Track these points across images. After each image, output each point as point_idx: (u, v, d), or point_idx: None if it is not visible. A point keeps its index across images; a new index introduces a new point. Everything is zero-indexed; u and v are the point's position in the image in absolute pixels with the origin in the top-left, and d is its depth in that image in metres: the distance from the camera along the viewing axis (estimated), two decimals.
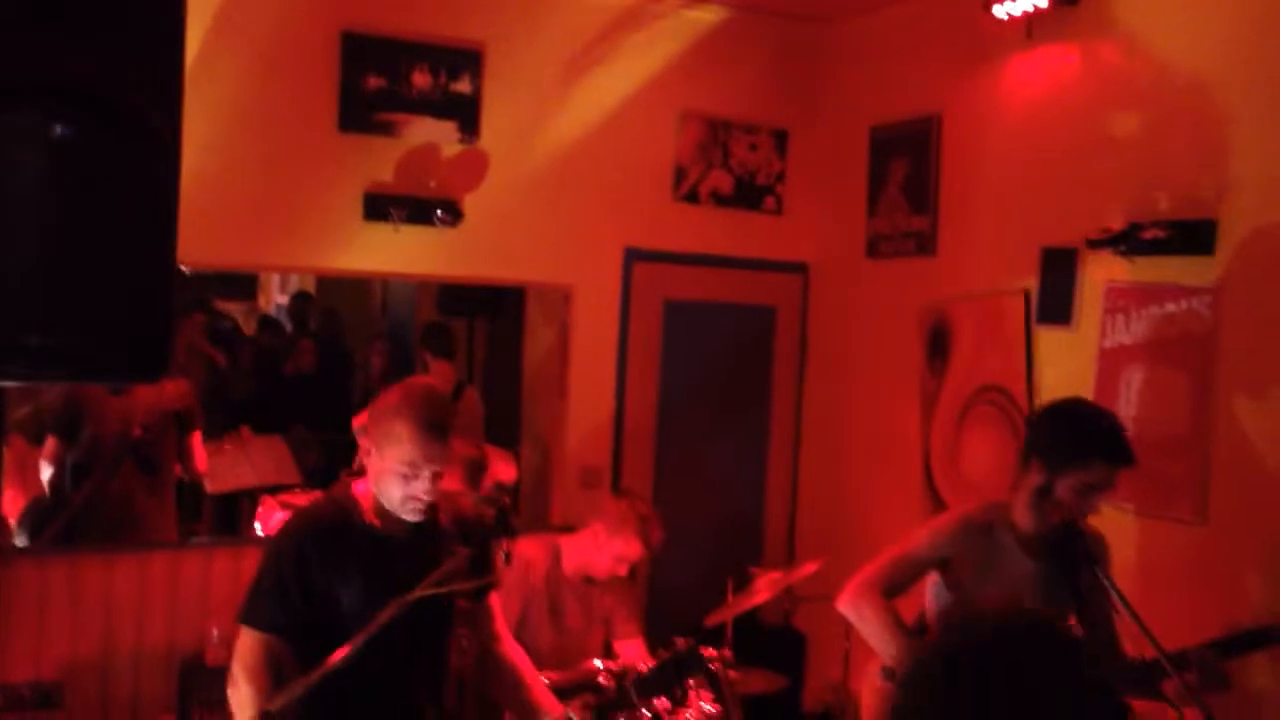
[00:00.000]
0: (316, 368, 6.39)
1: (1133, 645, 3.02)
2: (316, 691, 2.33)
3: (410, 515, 2.64)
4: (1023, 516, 3.03)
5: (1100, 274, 4.03)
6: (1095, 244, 3.93)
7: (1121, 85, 4.01)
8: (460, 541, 2.69)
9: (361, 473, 2.73)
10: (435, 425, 2.58)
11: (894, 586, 3.10)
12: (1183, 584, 3.67)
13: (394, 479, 2.60)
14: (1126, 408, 3.89)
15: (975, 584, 3.07)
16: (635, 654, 3.79)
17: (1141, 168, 3.91)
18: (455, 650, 2.78)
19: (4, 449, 4.35)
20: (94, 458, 4.57)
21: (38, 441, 4.56)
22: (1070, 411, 3.12)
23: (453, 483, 4.13)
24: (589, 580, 3.84)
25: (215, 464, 5.08)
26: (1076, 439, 2.96)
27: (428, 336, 5.78)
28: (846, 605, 3.12)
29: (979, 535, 3.07)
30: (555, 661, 3.64)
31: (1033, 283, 4.31)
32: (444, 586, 2.56)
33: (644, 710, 3.28)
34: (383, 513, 2.68)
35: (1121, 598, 2.87)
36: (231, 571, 4.35)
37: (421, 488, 2.59)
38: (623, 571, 3.80)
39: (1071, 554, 2.94)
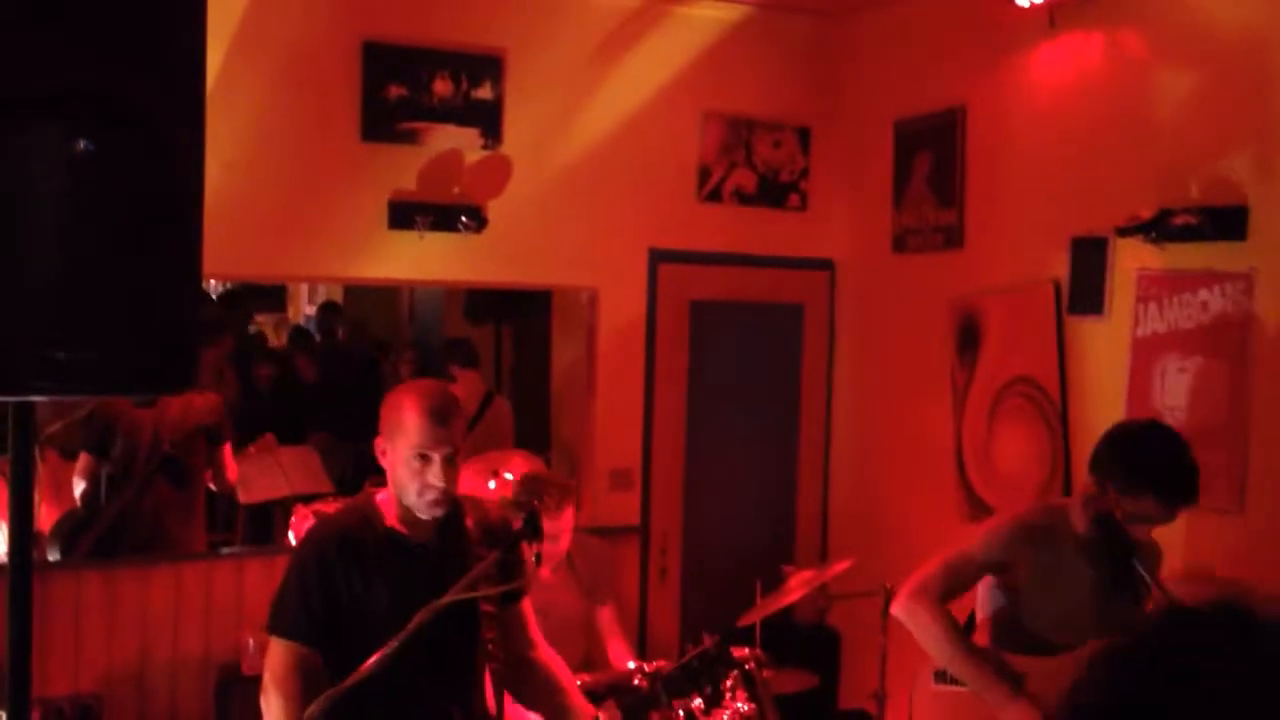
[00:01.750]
0: (340, 375, 6.41)
1: None
2: (346, 699, 2.33)
3: (429, 508, 2.62)
4: (1080, 522, 2.99)
5: (1131, 262, 3.98)
6: (1125, 231, 3.88)
7: (1147, 71, 3.97)
8: (486, 546, 2.68)
9: (384, 482, 2.73)
10: (438, 411, 2.60)
11: (949, 591, 3.05)
12: (1221, 573, 3.62)
13: (407, 470, 2.60)
14: (1161, 396, 3.85)
15: (1035, 591, 3.03)
16: (607, 620, 4.01)
17: (1170, 154, 3.87)
18: (483, 655, 2.76)
19: (39, 464, 4.39)
20: (126, 472, 4.60)
21: (71, 457, 4.60)
22: (1137, 437, 3.01)
23: (479, 489, 4.15)
24: (563, 563, 3.97)
25: (248, 474, 5.11)
26: (1133, 469, 2.87)
27: (451, 350, 5.78)
28: (901, 610, 3.06)
29: (1039, 541, 3.01)
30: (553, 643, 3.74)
31: (1063, 273, 4.27)
32: (475, 591, 2.55)
33: (679, 711, 3.26)
34: (406, 519, 2.67)
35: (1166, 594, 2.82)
36: (265, 581, 4.36)
37: (434, 474, 2.59)
38: (563, 545, 3.90)
39: (1115, 552, 2.89)
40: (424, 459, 2.59)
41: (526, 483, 3.89)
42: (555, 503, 3.84)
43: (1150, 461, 2.89)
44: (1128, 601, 2.90)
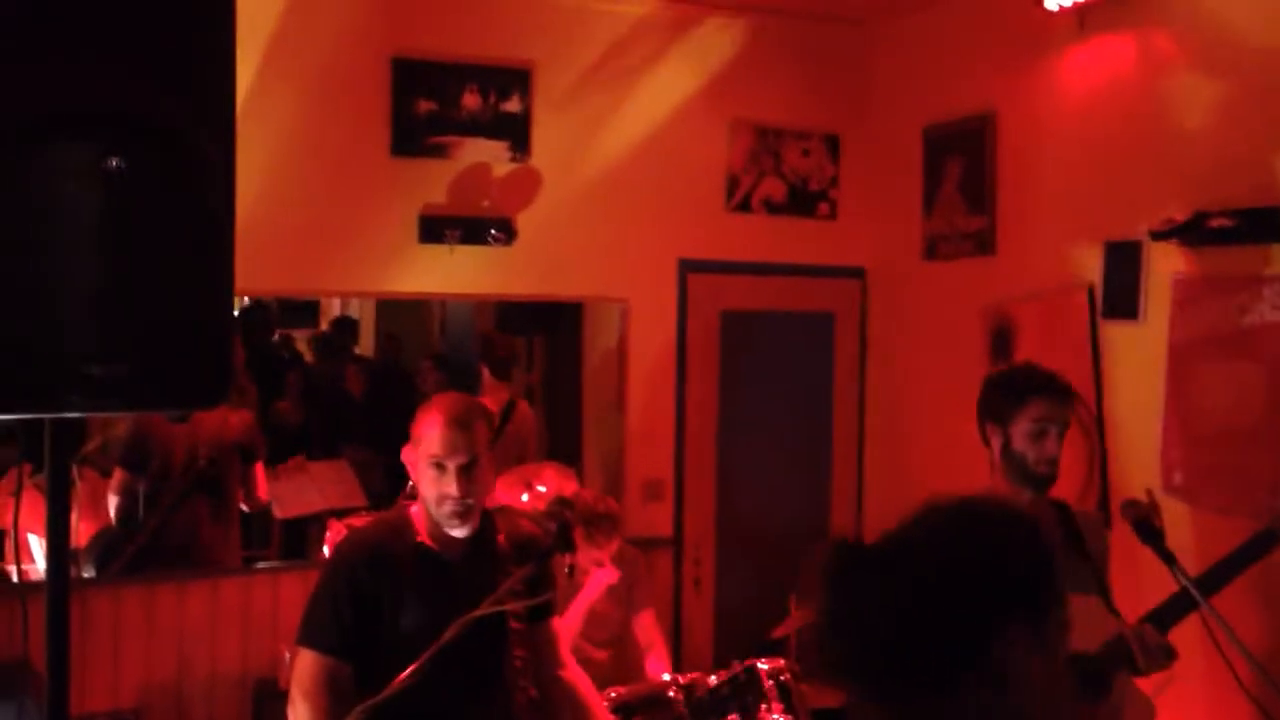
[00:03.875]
0: (373, 390, 6.40)
1: None
2: (379, 713, 2.32)
3: (450, 520, 2.62)
4: (1012, 490, 3.01)
5: (1166, 266, 3.94)
6: (1159, 235, 3.84)
7: (1178, 73, 3.93)
8: (517, 560, 2.67)
9: (415, 495, 2.73)
10: (457, 420, 2.62)
11: None
12: (1262, 581, 3.56)
13: (427, 478, 2.62)
14: (1200, 401, 3.80)
15: None
16: (646, 626, 4.10)
17: (1204, 156, 3.83)
18: (512, 672, 2.75)
19: (77, 481, 4.42)
20: (160, 488, 4.63)
21: (109, 474, 4.63)
22: (997, 372, 3.20)
23: (512, 501, 4.16)
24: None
25: (282, 490, 5.12)
26: (1009, 387, 3.04)
27: (487, 353, 5.72)
28: None
29: None
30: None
31: (1097, 277, 4.23)
32: (505, 604, 2.54)
33: None
34: (436, 534, 2.67)
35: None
36: (301, 595, 4.34)
37: (451, 483, 2.59)
38: (605, 573, 3.96)
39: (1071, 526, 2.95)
40: (439, 468, 2.60)
41: (576, 512, 3.91)
42: (606, 535, 3.89)
43: (1016, 374, 3.08)
44: (1089, 574, 2.96)
